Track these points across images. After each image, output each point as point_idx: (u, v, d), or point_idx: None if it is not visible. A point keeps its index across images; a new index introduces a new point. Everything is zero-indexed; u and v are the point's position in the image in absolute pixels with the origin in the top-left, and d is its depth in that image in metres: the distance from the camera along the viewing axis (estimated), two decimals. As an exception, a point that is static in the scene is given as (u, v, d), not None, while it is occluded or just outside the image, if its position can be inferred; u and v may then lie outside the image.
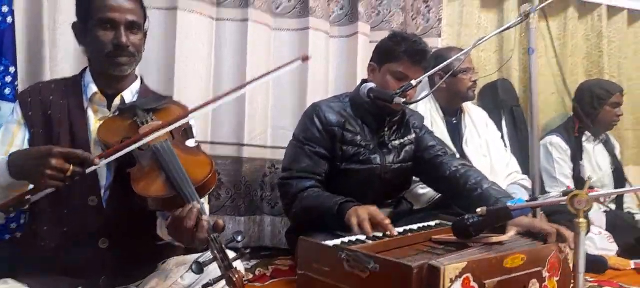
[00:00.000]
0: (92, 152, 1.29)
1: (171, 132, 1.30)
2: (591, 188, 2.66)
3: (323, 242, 1.19)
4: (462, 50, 1.92)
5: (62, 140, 1.30)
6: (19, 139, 1.31)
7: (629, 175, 3.12)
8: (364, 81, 1.89)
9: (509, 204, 1.19)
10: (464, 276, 0.98)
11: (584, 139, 2.75)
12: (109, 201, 1.30)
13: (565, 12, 3.02)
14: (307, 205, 1.68)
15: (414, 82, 1.58)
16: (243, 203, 2.35)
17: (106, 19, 1.32)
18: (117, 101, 1.39)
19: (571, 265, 1.23)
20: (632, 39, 3.22)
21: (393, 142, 1.87)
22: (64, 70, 1.90)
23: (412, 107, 2.23)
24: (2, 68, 1.80)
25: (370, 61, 1.89)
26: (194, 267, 1.05)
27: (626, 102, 3.05)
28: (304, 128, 1.84)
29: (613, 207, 2.75)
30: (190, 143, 1.42)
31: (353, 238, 1.30)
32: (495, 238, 1.21)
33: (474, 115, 2.49)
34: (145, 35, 1.44)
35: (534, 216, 1.54)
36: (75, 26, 1.40)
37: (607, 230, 2.41)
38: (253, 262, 2.16)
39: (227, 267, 1.04)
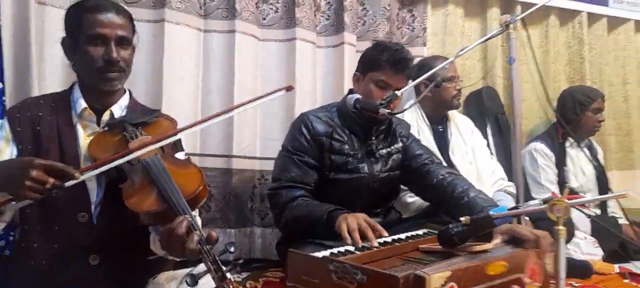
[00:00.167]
0: (82, 167, 1.30)
1: (161, 146, 1.31)
2: (576, 193, 2.72)
3: (311, 254, 1.20)
4: (447, 58, 1.96)
5: (51, 156, 1.30)
6: (6, 155, 1.31)
7: (613, 179, 3.19)
8: (351, 91, 1.92)
9: (491, 213, 1.22)
10: (449, 284, 1.01)
11: (567, 144, 2.80)
12: (99, 217, 1.31)
13: (547, 20, 3.09)
14: (296, 215, 1.70)
15: (398, 93, 1.61)
16: (233, 215, 2.35)
17: (96, 35, 1.34)
18: (106, 116, 1.40)
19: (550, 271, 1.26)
20: (612, 45, 3.29)
21: (380, 151, 1.89)
22: (52, 86, 1.90)
23: (398, 115, 2.28)
24: (-11, 84, 1.79)
25: (355, 71, 1.92)
26: (188, 279, 1.06)
27: (608, 107, 3.12)
28: (292, 138, 1.86)
29: (598, 211, 2.80)
30: (180, 156, 1.44)
31: (342, 249, 1.32)
32: (480, 247, 1.24)
33: (460, 123, 2.53)
34: (134, 49, 1.45)
35: (519, 223, 1.57)
36: (64, 42, 1.41)
37: (592, 235, 2.46)
38: (244, 275, 2.17)
39: (221, 278, 1.05)
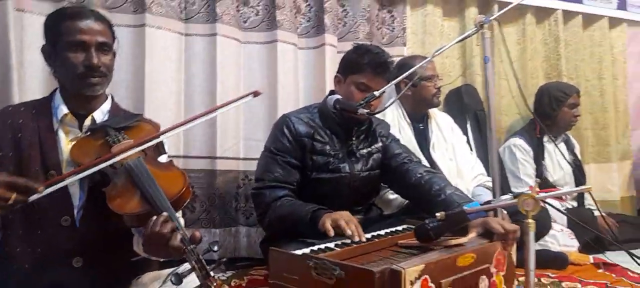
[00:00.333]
0: (64, 172, 1.31)
1: (143, 149, 1.34)
2: (553, 187, 2.79)
3: (292, 251, 1.24)
4: (426, 57, 2.00)
5: (32, 163, 1.32)
6: (-13, 162, 1.32)
7: (590, 172, 3.28)
8: (332, 92, 1.96)
9: (465, 208, 1.26)
10: (423, 277, 1.05)
11: (545, 139, 2.87)
12: (82, 220, 1.33)
13: (524, 18, 3.15)
14: (280, 214, 1.73)
15: (377, 93, 1.65)
16: (218, 215, 2.38)
17: (76, 41, 1.35)
18: (88, 121, 1.41)
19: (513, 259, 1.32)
20: (587, 41, 3.37)
21: (361, 151, 1.93)
22: (33, 93, 1.91)
23: (380, 114, 2.32)
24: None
25: (336, 72, 1.96)
26: (172, 278, 1.09)
27: (584, 102, 3.21)
28: (274, 139, 1.89)
29: (575, 204, 2.88)
30: (163, 158, 1.46)
31: (322, 246, 1.35)
32: (455, 241, 1.28)
33: (440, 121, 2.58)
34: (114, 55, 1.47)
35: (495, 217, 1.62)
36: (44, 49, 1.42)
37: (568, 227, 2.53)
38: (229, 273, 2.20)
39: (205, 276, 1.08)
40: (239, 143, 2.43)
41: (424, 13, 2.90)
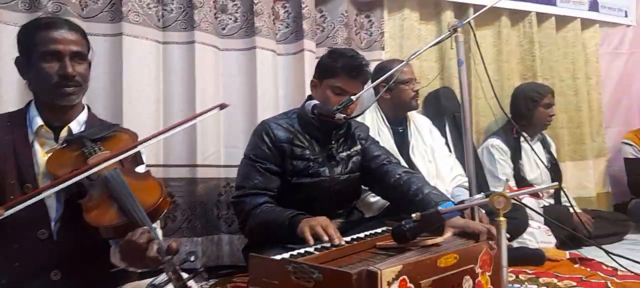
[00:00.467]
0: (41, 185, 1.31)
1: (120, 160, 1.33)
2: (530, 185, 2.85)
3: (271, 257, 1.25)
4: (404, 61, 2.04)
5: (8, 176, 1.30)
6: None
7: (567, 170, 3.35)
8: (310, 97, 1.98)
9: (440, 208, 1.29)
10: (401, 278, 1.07)
11: (522, 139, 2.93)
12: (59, 233, 1.31)
13: (499, 20, 3.22)
14: (260, 221, 1.74)
15: (353, 97, 1.67)
16: (199, 224, 2.38)
17: (50, 51, 1.34)
18: (64, 132, 1.40)
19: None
20: (561, 42, 3.45)
21: (340, 154, 1.95)
22: (8, 105, 1.89)
23: (360, 118, 2.35)
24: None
25: (313, 77, 1.98)
26: (149, 289, 1.09)
27: (559, 102, 3.28)
28: (254, 146, 1.90)
29: (552, 201, 2.94)
30: (140, 169, 1.46)
31: (301, 250, 1.36)
32: (431, 241, 1.31)
33: (419, 123, 2.62)
34: (90, 64, 1.46)
35: (472, 217, 1.65)
36: (18, 61, 1.41)
37: (545, 224, 2.58)
38: (212, 281, 2.20)
39: (181, 287, 1.08)
40: (220, 150, 2.43)
41: (401, 17, 2.94)
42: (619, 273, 2.08)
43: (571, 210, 2.62)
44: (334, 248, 1.37)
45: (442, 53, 3.03)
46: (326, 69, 1.88)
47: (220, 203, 2.42)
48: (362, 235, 1.56)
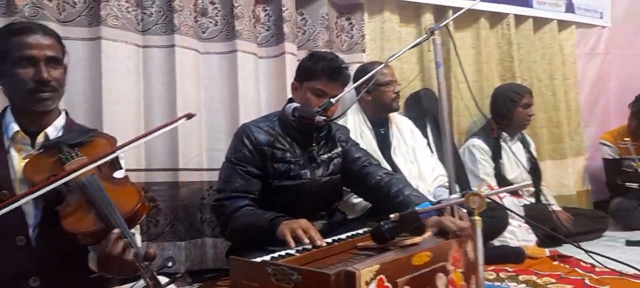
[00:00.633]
0: (17, 191, 1.30)
1: (98, 165, 1.33)
2: (510, 184, 2.89)
3: (251, 259, 1.25)
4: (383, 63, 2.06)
5: (-16, 183, 1.29)
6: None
7: (547, 169, 3.41)
8: (291, 100, 1.98)
9: (417, 208, 1.31)
10: (378, 277, 1.08)
11: (501, 139, 2.97)
12: (37, 239, 1.31)
13: (478, 22, 3.26)
14: (240, 225, 1.74)
15: (333, 100, 1.69)
16: (182, 228, 2.36)
17: (25, 56, 1.34)
18: (40, 138, 1.39)
19: (471, 257, 1.37)
20: (538, 44, 3.51)
21: (321, 156, 1.96)
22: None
23: (342, 120, 2.37)
24: None
25: (293, 80, 1.99)
26: (127, 295, 1.09)
27: (538, 102, 3.34)
28: (235, 149, 1.90)
29: (532, 200, 2.99)
30: (119, 174, 1.45)
31: (282, 252, 1.37)
32: (410, 241, 1.32)
33: (400, 125, 2.64)
34: (65, 69, 1.45)
35: (452, 215, 1.68)
36: (-8, 67, 1.40)
37: (526, 222, 2.62)
38: (196, 285, 2.19)
39: None
40: (202, 153, 2.42)
41: (381, 20, 2.97)
42: (597, 269, 2.12)
43: (553, 207, 2.66)
44: (314, 250, 1.38)
45: (422, 55, 3.06)
46: (306, 72, 1.89)
47: (204, 206, 2.40)
48: (343, 236, 1.57)
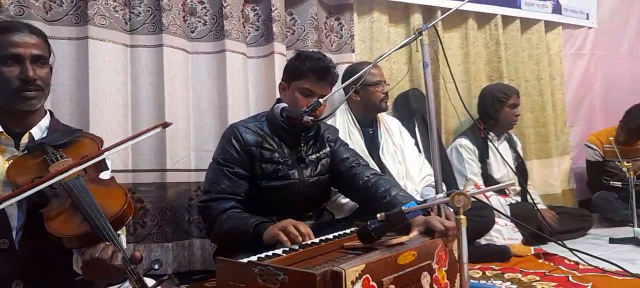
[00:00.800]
0: (0, 193, 1.28)
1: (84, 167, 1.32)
2: (497, 183, 2.91)
3: (237, 260, 1.25)
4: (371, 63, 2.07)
5: (-33, 184, 1.27)
6: None
7: (533, 168, 3.45)
8: (279, 100, 1.99)
9: (403, 207, 1.32)
10: (364, 277, 1.09)
11: (488, 139, 3.00)
12: (21, 242, 1.29)
13: (466, 23, 3.28)
14: (226, 228, 1.72)
15: (321, 100, 1.69)
16: (170, 229, 2.35)
17: (10, 55, 1.33)
18: (25, 139, 1.38)
19: (456, 255, 1.38)
20: (525, 44, 3.55)
21: (310, 157, 1.96)
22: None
23: (330, 120, 2.37)
24: None
25: (281, 80, 1.99)
26: (113, 299, 1.09)
27: (525, 102, 3.38)
28: (222, 150, 1.89)
29: (518, 199, 3.02)
30: (105, 175, 1.44)
31: (269, 253, 1.37)
32: (397, 240, 1.33)
33: (389, 125, 2.65)
34: (51, 69, 1.44)
35: (440, 215, 1.69)
36: (-23, 66, 1.38)
37: (512, 221, 2.65)
38: (183, 287, 2.18)
39: None
40: (190, 154, 2.41)
41: (370, 20, 2.98)
42: (581, 267, 2.15)
43: (540, 206, 2.69)
44: (301, 250, 1.38)
45: (410, 55, 3.08)
46: (294, 71, 1.90)
47: (191, 207, 2.40)
48: (330, 236, 1.58)
